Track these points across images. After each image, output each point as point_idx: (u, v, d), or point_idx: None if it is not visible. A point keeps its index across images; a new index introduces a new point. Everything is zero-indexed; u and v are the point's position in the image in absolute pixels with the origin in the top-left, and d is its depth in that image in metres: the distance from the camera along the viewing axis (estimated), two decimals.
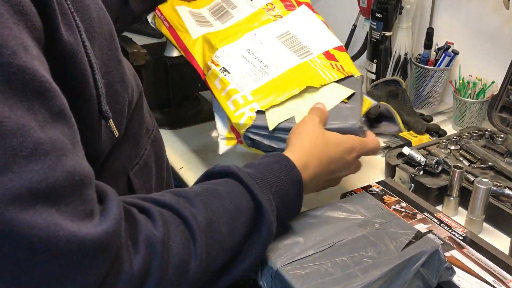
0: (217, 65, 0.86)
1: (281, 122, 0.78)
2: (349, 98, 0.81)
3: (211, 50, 0.89)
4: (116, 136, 0.59)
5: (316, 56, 0.88)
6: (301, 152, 0.69)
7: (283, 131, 0.77)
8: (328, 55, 0.89)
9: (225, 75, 0.85)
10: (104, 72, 0.57)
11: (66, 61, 0.49)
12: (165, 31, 0.98)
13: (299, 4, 0.96)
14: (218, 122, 0.86)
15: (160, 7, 1.01)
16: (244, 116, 0.80)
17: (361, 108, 0.81)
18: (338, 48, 0.91)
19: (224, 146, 0.84)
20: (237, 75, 0.85)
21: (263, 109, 0.80)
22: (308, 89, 0.82)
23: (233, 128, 0.82)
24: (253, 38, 0.90)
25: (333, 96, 0.81)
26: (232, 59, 0.87)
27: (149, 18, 1.05)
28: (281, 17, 0.94)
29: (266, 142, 0.79)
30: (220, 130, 0.84)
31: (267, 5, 0.96)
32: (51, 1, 0.46)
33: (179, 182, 1.03)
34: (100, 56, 0.56)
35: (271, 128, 0.77)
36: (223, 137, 0.84)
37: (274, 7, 0.96)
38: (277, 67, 0.85)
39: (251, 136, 0.80)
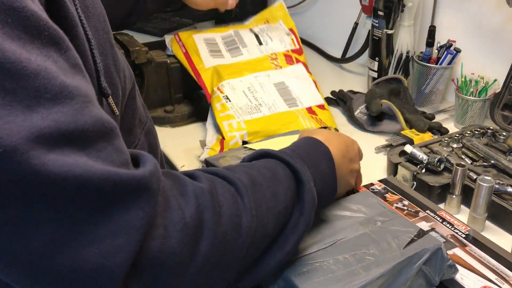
0: (221, 92, 1.07)
1: None
2: None
3: (219, 80, 1.11)
4: (116, 114, 0.59)
5: (301, 109, 1.10)
6: (320, 133, 0.71)
7: None
8: (310, 110, 1.11)
9: (227, 102, 1.06)
10: (101, 53, 0.58)
11: (69, 29, 0.48)
12: (180, 55, 1.18)
13: (298, 61, 1.20)
14: (209, 134, 1.05)
15: (180, 34, 1.22)
16: (234, 140, 1.01)
17: None
18: (320, 106, 1.12)
19: (205, 155, 1.01)
20: (236, 106, 1.05)
21: (248, 142, 0.99)
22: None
23: (221, 142, 1.01)
24: (255, 80, 1.11)
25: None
26: (235, 92, 1.08)
27: (167, 40, 1.24)
28: (281, 67, 1.17)
29: None
30: (208, 141, 1.03)
31: (272, 54, 1.20)
32: None
33: None
34: (96, 36, 0.56)
35: None
36: (208, 147, 1.02)
37: (277, 58, 1.19)
38: (269, 109, 1.07)
39: None
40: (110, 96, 0.57)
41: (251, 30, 1.26)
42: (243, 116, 1.04)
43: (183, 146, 1.08)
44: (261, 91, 1.09)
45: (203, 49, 1.18)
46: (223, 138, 1.02)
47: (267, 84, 1.11)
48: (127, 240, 0.42)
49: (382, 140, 1.06)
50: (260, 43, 1.22)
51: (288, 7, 1.73)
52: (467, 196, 0.82)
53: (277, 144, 0.95)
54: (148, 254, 0.44)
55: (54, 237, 0.40)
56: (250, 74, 1.12)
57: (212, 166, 0.91)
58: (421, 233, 0.65)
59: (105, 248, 0.41)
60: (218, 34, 1.24)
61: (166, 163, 1.00)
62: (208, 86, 1.11)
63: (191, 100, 1.22)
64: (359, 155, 0.78)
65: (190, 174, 0.53)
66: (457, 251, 0.70)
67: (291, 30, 1.30)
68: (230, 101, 1.05)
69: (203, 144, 1.04)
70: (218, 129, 1.04)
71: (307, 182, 0.60)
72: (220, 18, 1.76)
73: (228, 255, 0.51)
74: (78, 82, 0.42)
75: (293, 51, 1.23)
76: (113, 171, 0.41)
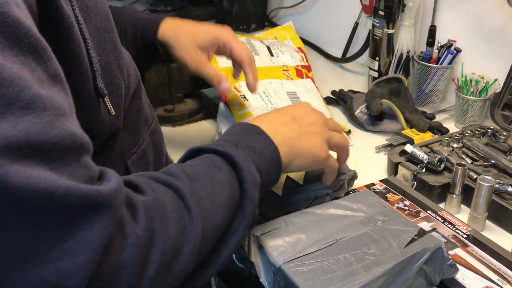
0: (239, 91, 1.07)
1: None
2: None
3: (235, 80, 1.07)
4: (113, 114, 0.59)
5: None
6: (252, 119, 0.70)
7: None
8: None
9: (244, 100, 1.06)
10: (101, 52, 0.57)
11: (64, 30, 0.48)
12: None
13: (307, 77, 1.21)
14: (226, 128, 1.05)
15: None
16: None
17: None
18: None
19: None
20: (253, 105, 1.05)
21: None
22: None
23: None
24: (269, 85, 1.12)
25: None
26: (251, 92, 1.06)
27: None
28: (292, 79, 1.18)
29: None
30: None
31: (283, 65, 1.21)
32: None
33: None
34: (96, 36, 0.56)
35: None
36: None
37: (288, 70, 1.20)
38: None
39: None
40: (107, 96, 0.57)
41: (261, 41, 1.28)
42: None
43: (183, 145, 1.08)
44: (275, 96, 1.10)
45: None
46: None
47: (280, 91, 1.11)
48: (86, 259, 0.41)
49: (382, 140, 1.06)
50: (272, 55, 1.24)
51: (288, 7, 1.74)
52: (467, 196, 0.82)
53: None
54: (103, 269, 0.43)
55: (12, 252, 0.38)
56: (264, 80, 1.13)
57: None
58: (422, 233, 0.65)
59: (64, 268, 0.40)
60: None
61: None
62: None
63: (192, 99, 1.22)
64: (320, 116, 0.74)
65: (129, 182, 0.51)
66: (459, 252, 0.70)
67: (299, 49, 1.33)
68: (247, 100, 1.06)
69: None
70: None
71: (242, 162, 0.59)
72: (221, 17, 1.77)
73: (180, 258, 0.50)
74: (54, 93, 0.42)
75: (302, 66, 1.24)
76: (78, 187, 0.40)
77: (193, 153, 0.62)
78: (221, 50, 0.88)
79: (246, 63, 0.88)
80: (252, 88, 0.89)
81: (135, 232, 0.46)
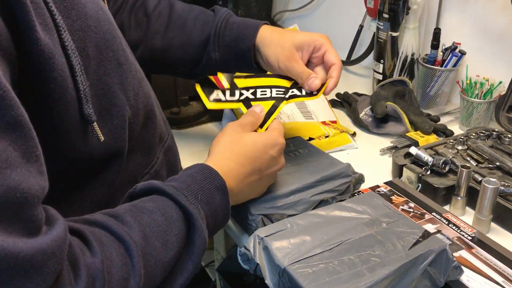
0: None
1: None
2: (317, 158, 0.88)
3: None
4: (101, 140, 0.58)
5: (316, 122, 1.12)
6: (218, 158, 0.70)
7: None
8: (325, 123, 1.13)
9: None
10: (102, 73, 0.57)
11: (45, 62, 0.48)
12: None
13: None
14: None
15: None
16: None
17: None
18: (333, 122, 1.14)
19: None
20: None
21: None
22: None
23: None
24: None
25: None
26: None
27: None
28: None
29: None
30: None
31: None
32: (21, 2, 0.44)
33: None
34: (95, 56, 0.55)
35: None
36: None
37: None
38: (288, 117, 1.11)
39: None
40: (100, 121, 0.56)
41: None
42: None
43: (189, 148, 1.08)
44: None
45: None
46: None
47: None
48: None
49: (387, 142, 1.06)
50: None
51: (293, 10, 1.74)
52: (472, 198, 0.82)
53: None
54: None
55: None
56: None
57: None
58: (426, 234, 0.65)
59: None
60: None
61: None
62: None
63: (197, 102, 1.23)
64: (278, 149, 0.75)
65: (79, 233, 0.50)
66: (464, 253, 0.70)
67: None
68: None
69: None
70: None
71: (199, 227, 0.59)
72: None
73: None
74: (1, 144, 0.40)
75: None
76: (10, 250, 0.38)
77: (154, 190, 0.61)
78: (316, 51, 0.88)
79: (336, 68, 0.87)
80: (326, 92, 0.88)
81: None
